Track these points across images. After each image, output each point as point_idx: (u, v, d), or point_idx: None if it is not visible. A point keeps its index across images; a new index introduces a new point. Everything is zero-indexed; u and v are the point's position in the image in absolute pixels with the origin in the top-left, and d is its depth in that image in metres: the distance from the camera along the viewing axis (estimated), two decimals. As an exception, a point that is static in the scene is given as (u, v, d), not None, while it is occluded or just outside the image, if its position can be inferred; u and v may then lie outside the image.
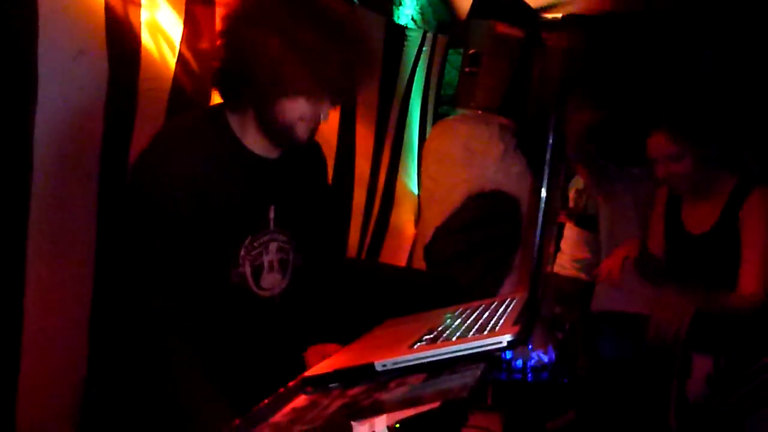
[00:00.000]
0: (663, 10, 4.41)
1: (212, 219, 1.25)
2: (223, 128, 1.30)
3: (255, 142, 1.32)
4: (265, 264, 1.34)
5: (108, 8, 1.53)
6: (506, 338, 0.76)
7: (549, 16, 4.67)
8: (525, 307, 0.87)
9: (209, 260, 1.26)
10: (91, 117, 1.53)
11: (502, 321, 0.89)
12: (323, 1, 1.28)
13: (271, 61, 1.19)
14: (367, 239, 3.17)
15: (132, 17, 1.61)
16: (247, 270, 1.31)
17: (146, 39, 1.65)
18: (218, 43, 1.28)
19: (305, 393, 0.81)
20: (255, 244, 1.32)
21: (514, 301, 1.06)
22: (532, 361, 2.20)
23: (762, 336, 2.00)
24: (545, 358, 2.23)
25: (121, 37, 1.58)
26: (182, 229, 1.21)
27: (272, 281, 1.37)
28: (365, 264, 2.74)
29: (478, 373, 0.72)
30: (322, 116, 1.29)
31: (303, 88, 1.23)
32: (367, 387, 0.78)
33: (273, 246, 1.36)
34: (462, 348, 0.77)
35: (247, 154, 1.32)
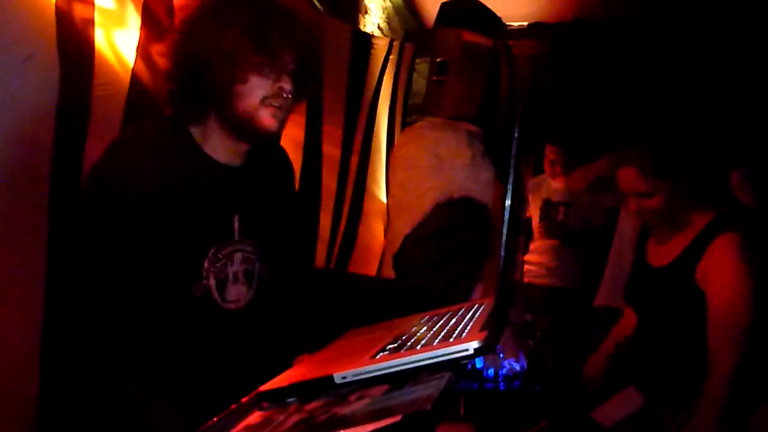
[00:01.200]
0: (625, 20, 4.50)
1: (174, 231, 1.21)
2: (183, 137, 1.27)
3: (218, 149, 1.29)
4: (230, 275, 1.30)
5: (59, 11, 1.47)
6: (473, 345, 0.72)
7: (515, 24, 4.74)
8: (492, 312, 0.83)
9: (171, 274, 1.22)
10: (42, 122, 1.47)
11: (469, 327, 0.85)
12: None
13: (213, 44, 1.18)
14: (336, 249, 3.13)
15: (85, 21, 1.56)
16: (212, 282, 1.27)
17: (100, 43, 1.60)
18: (169, 62, 1.27)
19: (260, 409, 0.76)
20: (219, 255, 1.28)
21: (482, 307, 1.03)
22: (504, 370, 2.18)
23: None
24: (517, 367, 2.21)
25: (74, 41, 1.52)
26: (141, 242, 1.17)
27: (237, 293, 1.33)
28: (333, 274, 2.70)
29: (444, 383, 0.68)
30: (284, 95, 1.26)
31: (251, 62, 1.20)
32: (325, 401, 0.73)
33: (238, 256, 1.32)
34: (426, 357, 0.73)
35: (209, 163, 1.29)
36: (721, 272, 1.82)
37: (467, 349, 0.72)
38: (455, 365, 0.73)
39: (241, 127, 1.26)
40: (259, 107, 1.24)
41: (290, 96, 1.28)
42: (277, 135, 1.32)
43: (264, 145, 1.38)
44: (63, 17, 1.49)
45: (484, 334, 0.74)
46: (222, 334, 1.25)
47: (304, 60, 1.30)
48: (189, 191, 1.25)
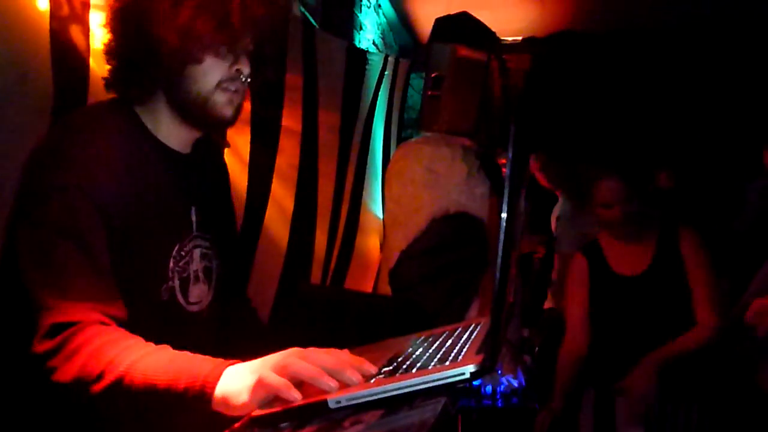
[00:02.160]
0: (615, 32, 4.53)
1: (138, 227, 1.08)
2: (133, 120, 1.15)
3: (170, 136, 1.18)
4: (191, 274, 1.19)
5: (53, 31, 1.47)
6: (469, 369, 0.71)
7: (509, 39, 4.76)
8: (488, 334, 0.82)
9: (138, 276, 1.08)
10: (37, 139, 1.47)
11: (465, 350, 0.84)
12: None
13: (165, 17, 1.06)
14: (332, 265, 3.12)
15: (79, 39, 1.55)
16: (176, 283, 1.15)
17: (94, 61, 1.59)
18: (109, 37, 1.14)
19: (253, 434, 0.75)
20: (182, 252, 1.17)
21: (478, 327, 1.02)
22: (502, 387, 2.17)
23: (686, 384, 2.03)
24: (515, 383, 2.20)
25: (68, 59, 1.52)
26: (101, 241, 1.01)
27: (200, 293, 1.21)
28: (328, 291, 2.69)
29: (439, 408, 0.67)
30: (242, 78, 1.15)
31: (208, 41, 1.09)
32: (319, 426, 0.72)
33: (197, 253, 1.21)
34: (422, 381, 0.72)
35: (165, 150, 1.17)
36: (697, 258, 2.09)
37: (463, 373, 0.71)
38: (451, 389, 0.72)
39: (193, 113, 1.15)
40: (213, 92, 1.13)
41: (248, 80, 1.17)
42: (231, 123, 1.20)
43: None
44: (57, 36, 1.48)
45: (480, 357, 0.73)
46: (188, 339, 1.05)
47: (265, 40, 1.20)
48: (149, 182, 1.12)
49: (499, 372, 2.19)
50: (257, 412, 0.78)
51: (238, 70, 1.14)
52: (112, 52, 1.14)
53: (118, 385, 0.85)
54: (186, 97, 1.13)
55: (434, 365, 0.79)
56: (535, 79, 4.79)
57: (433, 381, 0.72)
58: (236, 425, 0.77)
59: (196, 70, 1.11)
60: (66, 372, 0.88)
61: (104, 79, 1.17)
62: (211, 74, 1.12)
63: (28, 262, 0.97)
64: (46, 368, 0.89)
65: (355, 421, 0.70)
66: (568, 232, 3.55)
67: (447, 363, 0.79)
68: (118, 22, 1.12)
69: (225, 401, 0.82)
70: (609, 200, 2.13)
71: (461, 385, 0.71)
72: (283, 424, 0.75)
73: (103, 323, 0.93)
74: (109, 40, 1.14)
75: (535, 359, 2.72)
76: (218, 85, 1.13)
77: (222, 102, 1.14)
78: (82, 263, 0.96)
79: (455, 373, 0.71)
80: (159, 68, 1.11)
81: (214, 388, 0.82)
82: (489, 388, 2.16)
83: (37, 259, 0.97)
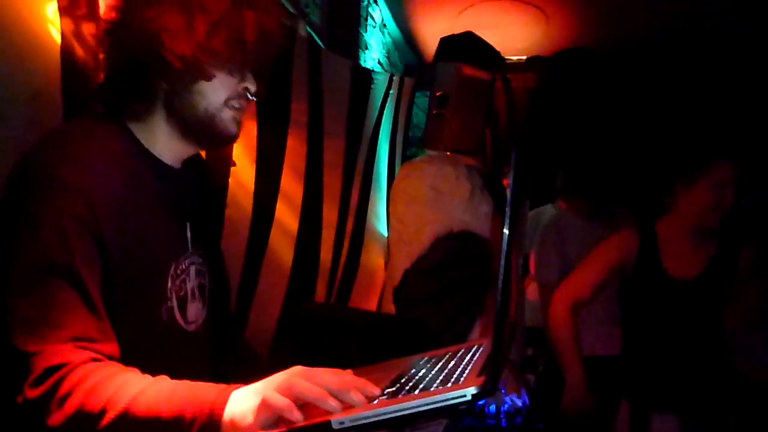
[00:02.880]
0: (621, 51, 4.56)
1: (138, 246, 1.05)
2: (127, 136, 1.12)
3: (164, 150, 1.16)
4: (188, 293, 1.17)
5: (64, 52, 1.49)
6: (470, 391, 0.72)
7: (513, 58, 4.79)
8: (490, 356, 0.83)
9: (139, 297, 1.06)
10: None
11: (467, 371, 0.85)
12: None
13: (181, 38, 1.04)
14: (336, 283, 3.13)
15: (88, 61, 1.58)
16: (174, 303, 1.13)
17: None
18: (106, 43, 1.12)
19: (258, 454, 0.76)
20: (178, 271, 1.15)
21: (481, 348, 1.03)
22: (506, 406, 2.16)
23: (726, 396, 2.02)
24: (519, 402, 2.19)
25: (78, 80, 1.52)
26: (101, 260, 0.98)
27: (196, 312, 1.19)
28: (332, 309, 2.69)
29: (440, 429, 0.68)
30: (249, 95, 1.16)
31: (221, 59, 1.09)
32: (323, 446, 0.73)
33: (192, 270, 1.19)
34: (424, 402, 0.73)
35: (159, 165, 1.15)
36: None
37: (464, 395, 0.72)
38: (453, 411, 0.73)
39: (198, 129, 1.14)
40: (221, 108, 1.13)
41: (254, 98, 1.17)
42: (235, 140, 1.20)
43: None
44: (67, 58, 1.50)
45: (481, 379, 0.74)
46: (187, 359, 1.08)
47: (273, 59, 1.20)
48: (147, 200, 1.10)
49: (503, 391, 2.18)
50: (261, 433, 0.79)
51: (245, 87, 1.15)
52: (111, 67, 1.13)
53: (122, 420, 0.85)
54: (192, 112, 1.12)
55: (436, 387, 0.81)
56: (544, 97, 4.82)
57: (435, 403, 0.73)
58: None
59: (205, 86, 1.11)
60: (62, 415, 0.86)
61: (96, 89, 1.17)
62: (220, 91, 1.12)
63: (17, 299, 0.92)
64: (41, 413, 0.87)
65: (358, 442, 0.71)
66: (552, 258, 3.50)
67: (449, 385, 0.80)
68: (119, 36, 1.10)
69: (232, 424, 0.83)
70: (726, 179, 2.03)
71: (463, 407, 0.72)
72: (287, 445, 0.76)
73: (94, 360, 0.91)
74: (112, 51, 1.13)
75: (539, 378, 2.71)
76: (226, 101, 1.14)
77: (228, 119, 1.15)
78: (74, 303, 0.92)
79: (457, 395, 0.72)
80: (164, 83, 1.11)
81: (222, 413, 0.83)
82: (493, 408, 2.15)
83: (28, 298, 0.91)
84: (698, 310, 2.04)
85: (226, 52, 1.08)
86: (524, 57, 4.81)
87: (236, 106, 1.15)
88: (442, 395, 0.73)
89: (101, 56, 1.14)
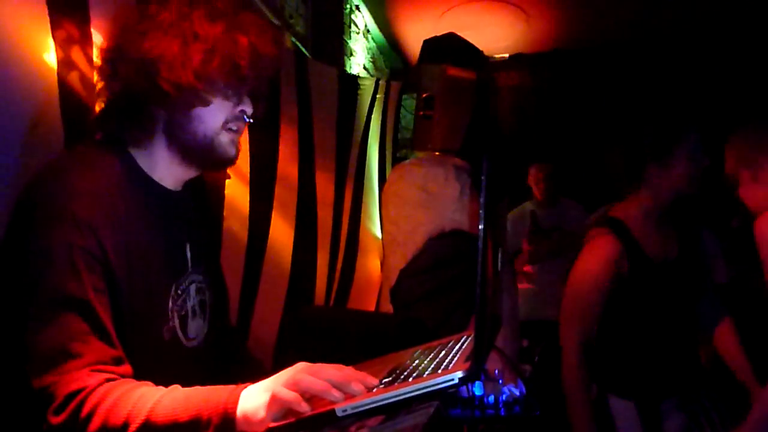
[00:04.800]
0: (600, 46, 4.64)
1: (140, 269, 1.08)
2: (129, 163, 1.15)
3: (165, 175, 1.20)
4: (189, 311, 1.21)
5: (61, 79, 1.53)
6: (458, 375, 0.80)
7: (497, 56, 4.88)
8: (476, 344, 0.91)
9: (141, 322, 1.09)
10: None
11: (455, 359, 0.93)
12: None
13: (177, 65, 1.08)
14: (334, 286, 3.19)
15: (86, 87, 1.62)
16: (176, 322, 1.17)
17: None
18: (104, 73, 1.16)
19: (270, 444, 0.84)
20: (179, 291, 1.19)
21: (469, 338, 1.10)
22: (504, 396, 2.22)
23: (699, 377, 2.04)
24: (516, 392, 2.25)
25: (77, 107, 1.57)
26: (106, 286, 1.01)
27: (197, 328, 1.23)
28: (331, 312, 2.75)
29: (431, 410, 0.76)
30: (246, 118, 1.20)
31: (217, 85, 1.12)
32: (329, 432, 0.81)
33: (192, 288, 1.23)
34: (417, 388, 0.81)
35: (159, 190, 1.19)
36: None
37: (453, 379, 0.80)
38: (443, 394, 0.81)
39: (198, 155, 1.17)
40: (220, 132, 1.17)
41: (251, 120, 1.21)
42: (234, 162, 1.23)
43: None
44: (65, 83, 1.53)
45: (467, 364, 0.82)
46: (189, 375, 1.08)
47: (264, 79, 1.23)
48: (149, 226, 1.13)
49: (500, 382, 2.24)
50: (272, 425, 0.87)
51: (242, 110, 1.19)
52: (113, 94, 1.16)
53: (145, 428, 0.91)
54: (191, 138, 1.15)
55: (428, 374, 0.88)
56: (527, 96, 4.91)
57: (427, 387, 0.81)
58: (254, 434, 0.86)
59: (203, 112, 1.14)
60: None
61: (96, 118, 1.20)
62: (218, 115, 1.16)
63: (35, 333, 0.96)
64: None
65: (360, 426, 0.79)
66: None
67: (439, 371, 0.88)
68: (123, 65, 1.12)
69: (246, 420, 0.90)
70: (699, 143, 1.99)
71: (452, 390, 0.79)
72: (297, 433, 0.84)
73: (109, 380, 0.96)
74: (111, 81, 1.16)
75: (535, 368, 2.77)
76: (224, 125, 1.17)
77: (227, 142, 1.18)
78: (88, 333, 0.97)
79: (446, 380, 0.80)
80: (163, 111, 1.14)
81: (235, 411, 0.90)
82: (491, 398, 2.21)
83: (45, 331, 0.95)
84: (685, 290, 2.05)
85: (221, 78, 1.12)
86: (507, 55, 4.91)
87: (234, 128, 1.19)
88: (433, 380, 0.81)
89: (99, 86, 1.18)
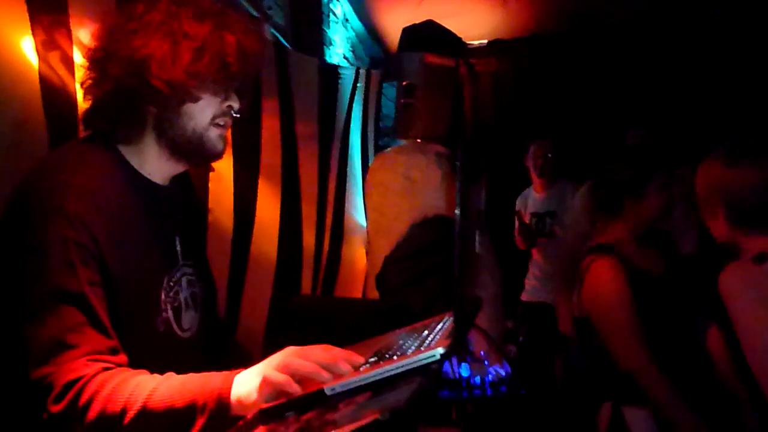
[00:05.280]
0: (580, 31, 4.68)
1: (132, 263, 1.11)
2: (119, 159, 1.18)
3: (154, 170, 1.22)
4: (182, 303, 1.24)
5: (42, 79, 1.56)
6: (439, 351, 0.84)
7: (475, 43, 4.90)
8: (455, 322, 0.96)
9: (135, 311, 1.11)
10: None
11: (438, 338, 0.98)
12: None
13: (167, 64, 1.11)
14: (321, 275, 3.23)
15: (68, 86, 1.64)
16: (170, 314, 1.20)
17: (83, 106, 1.68)
18: (93, 71, 1.17)
19: (263, 423, 0.88)
20: (171, 283, 1.22)
21: (450, 319, 1.15)
22: (490, 377, 2.27)
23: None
24: (502, 372, 2.29)
25: (59, 106, 1.60)
26: (100, 279, 1.04)
27: (191, 320, 1.26)
28: (318, 300, 2.79)
29: (415, 386, 0.80)
30: (233, 113, 1.23)
31: (206, 82, 1.16)
32: (319, 410, 0.85)
33: (184, 281, 1.26)
34: (401, 365, 0.86)
35: (149, 185, 1.22)
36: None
37: (434, 355, 0.85)
38: (426, 370, 0.85)
39: (187, 150, 1.20)
40: (208, 127, 1.20)
41: (238, 115, 1.24)
42: (222, 156, 1.26)
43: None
44: (47, 82, 1.56)
45: (448, 341, 0.86)
46: (183, 365, 1.09)
47: (250, 75, 1.26)
48: (139, 220, 1.16)
49: (486, 363, 2.29)
50: (265, 405, 0.91)
51: (230, 106, 1.22)
52: (102, 92, 1.17)
53: (142, 416, 0.94)
54: (181, 134, 1.18)
55: (411, 352, 0.93)
56: (507, 82, 4.96)
57: (410, 364, 0.85)
58: (248, 416, 0.90)
59: (192, 108, 1.17)
60: (87, 421, 0.94)
61: (85, 115, 1.21)
62: (206, 111, 1.19)
63: (32, 326, 0.98)
64: (67, 425, 0.95)
65: (348, 403, 0.83)
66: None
67: (422, 349, 0.92)
68: (113, 63, 1.14)
69: (240, 403, 0.94)
70: (669, 180, 2.20)
71: (435, 365, 0.83)
72: (288, 413, 0.88)
73: (106, 369, 0.98)
74: (100, 80, 1.16)
75: (520, 348, 2.84)
76: (212, 120, 1.20)
77: (215, 137, 1.21)
78: (85, 325, 0.99)
79: (428, 356, 0.85)
80: (153, 108, 1.16)
81: (229, 396, 0.94)
82: (478, 379, 2.25)
83: (43, 324, 0.98)
84: (681, 301, 2.12)
85: (210, 75, 1.15)
86: (485, 41, 4.93)
87: (221, 123, 1.22)
88: (416, 357, 0.86)
89: (87, 83, 1.19)
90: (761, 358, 1.58)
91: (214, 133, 1.21)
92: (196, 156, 1.24)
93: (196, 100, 1.17)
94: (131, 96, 1.14)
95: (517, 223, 3.94)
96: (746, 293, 1.64)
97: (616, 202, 2.26)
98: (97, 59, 1.17)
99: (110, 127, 1.19)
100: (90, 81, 1.18)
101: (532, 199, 3.98)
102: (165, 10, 1.16)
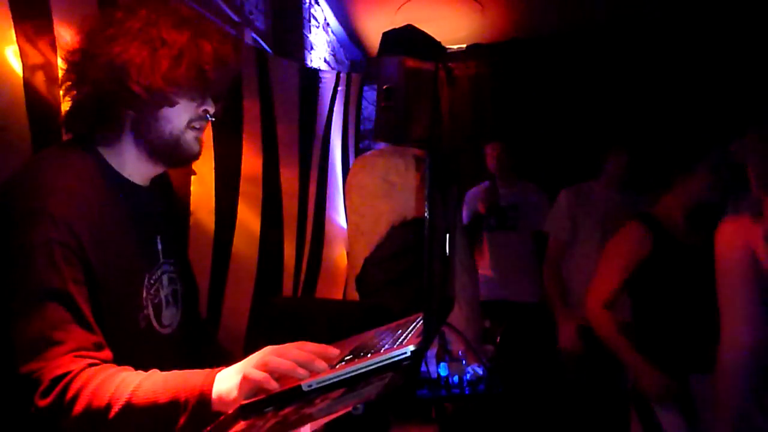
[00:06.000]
0: (557, 35, 4.75)
1: (114, 262, 1.15)
2: (99, 161, 1.22)
3: (133, 171, 1.27)
4: (163, 300, 1.28)
5: (27, 84, 1.58)
6: (410, 349, 0.89)
7: (454, 47, 4.96)
8: (426, 321, 1.00)
9: (117, 311, 1.15)
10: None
11: (410, 336, 1.02)
12: (170, 5, 1.24)
13: (145, 70, 1.15)
14: (302, 276, 3.26)
15: (51, 91, 1.65)
16: (150, 311, 1.24)
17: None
18: (72, 75, 1.21)
19: (243, 419, 0.92)
20: (152, 280, 1.26)
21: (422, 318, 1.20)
22: (468, 376, 2.31)
23: None
24: (480, 371, 2.34)
25: (42, 111, 1.62)
26: (85, 294, 1.07)
27: (171, 316, 1.30)
28: (299, 301, 2.82)
29: (386, 381, 0.85)
30: (208, 116, 1.27)
31: (184, 88, 1.20)
32: (296, 406, 0.89)
33: (165, 278, 1.31)
34: (374, 362, 0.90)
35: (129, 186, 1.26)
36: None
37: (405, 353, 0.89)
38: (398, 366, 0.90)
39: (164, 152, 1.25)
40: (184, 131, 1.24)
41: (213, 118, 1.29)
42: (198, 158, 1.30)
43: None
44: (30, 89, 1.58)
45: (419, 339, 0.91)
46: (164, 361, 1.12)
47: (226, 81, 1.30)
48: (121, 220, 1.20)
49: (464, 362, 2.33)
50: (245, 401, 0.95)
51: (205, 110, 1.27)
52: (82, 96, 1.21)
53: (126, 411, 0.98)
54: (158, 136, 1.23)
55: (384, 350, 0.97)
56: (485, 85, 5.01)
57: (383, 361, 0.90)
58: (229, 411, 0.94)
59: (169, 112, 1.22)
60: (73, 415, 0.98)
61: (65, 118, 1.24)
62: (183, 115, 1.24)
63: (19, 324, 1.01)
64: (54, 419, 0.98)
65: (323, 398, 0.88)
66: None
67: (395, 346, 0.97)
68: (93, 68, 1.18)
69: (220, 400, 0.98)
70: (720, 159, 2.25)
71: (406, 363, 0.88)
72: (267, 409, 0.92)
73: (92, 365, 1.02)
74: (80, 84, 1.20)
75: (497, 348, 2.88)
76: (188, 124, 1.25)
77: (191, 139, 1.26)
78: (70, 321, 1.02)
79: (399, 353, 0.90)
80: (131, 111, 1.20)
81: (210, 392, 0.99)
82: (456, 378, 2.29)
83: (29, 322, 1.01)
84: (709, 277, 2.18)
85: (187, 82, 1.19)
86: (464, 45, 4.99)
87: (197, 126, 1.27)
88: (388, 355, 0.91)
89: (66, 85, 1.23)
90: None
91: (190, 135, 1.26)
92: (173, 157, 1.28)
93: (173, 104, 1.22)
94: (110, 99, 1.18)
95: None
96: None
97: (665, 177, 2.36)
98: (76, 62, 1.20)
99: (89, 130, 1.22)
100: (69, 83, 1.22)
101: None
102: (144, 17, 1.20)
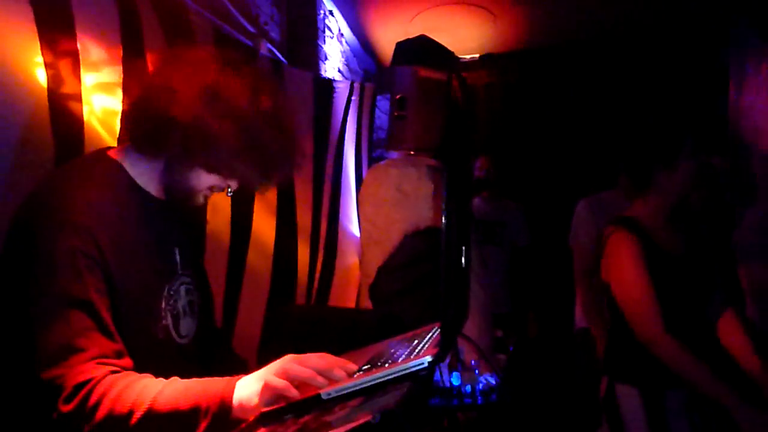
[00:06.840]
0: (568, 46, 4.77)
1: (135, 273, 1.18)
2: (122, 173, 1.26)
3: (150, 185, 1.30)
4: (180, 310, 1.31)
5: (51, 96, 1.62)
6: (427, 359, 0.91)
7: (467, 57, 4.98)
8: (443, 332, 1.02)
9: (137, 321, 1.17)
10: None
11: (426, 346, 1.04)
12: (272, 94, 1.32)
13: (218, 140, 1.20)
14: (315, 285, 3.28)
15: (74, 102, 1.70)
16: (169, 321, 1.26)
17: (89, 123, 1.75)
18: (155, 82, 1.25)
19: (264, 425, 0.94)
20: (171, 291, 1.29)
21: (438, 328, 1.22)
22: (481, 385, 2.31)
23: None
24: (492, 381, 2.34)
25: (66, 123, 1.66)
26: (107, 303, 1.10)
27: (188, 327, 1.33)
28: (313, 310, 2.84)
29: (405, 390, 0.87)
30: (228, 191, 1.33)
31: (234, 173, 1.28)
32: (315, 414, 0.91)
33: (182, 289, 1.33)
34: (392, 372, 0.92)
35: (148, 197, 1.29)
36: None
37: (423, 363, 0.91)
38: (415, 376, 0.92)
39: (172, 191, 1.30)
40: (202, 191, 1.31)
41: (230, 194, 1.35)
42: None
43: None
44: (54, 101, 1.62)
45: (436, 350, 0.93)
46: (180, 371, 1.13)
47: (273, 177, 1.37)
48: (141, 231, 1.23)
49: (477, 372, 2.34)
50: (265, 409, 0.97)
51: (229, 186, 1.33)
52: (145, 126, 1.24)
53: (148, 417, 1.00)
54: (178, 181, 1.28)
55: (401, 360, 0.99)
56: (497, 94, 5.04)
57: (401, 371, 0.92)
58: (249, 418, 0.96)
59: (201, 174, 1.28)
60: (95, 421, 1.00)
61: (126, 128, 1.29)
62: (210, 180, 1.30)
63: (43, 331, 1.04)
64: (77, 424, 1.01)
65: (342, 407, 0.90)
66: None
67: (411, 357, 0.99)
68: (174, 128, 1.21)
69: (241, 407, 1.01)
70: (705, 157, 2.21)
71: (423, 372, 0.90)
72: (287, 416, 0.94)
73: (114, 372, 1.04)
74: (144, 112, 1.24)
75: (510, 358, 2.89)
76: (209, 188, 1.32)
77: (201, 198, 1.33)
78: (92, 329, 1.05)
79: (417, 363, 0.92)
80: (177, 149, 1.23)
81: (231, 400, 1.01)
82: (468, 388, 2.30)
83: (53, 329, 1.04)
84: (695, 284, 2.14)
85: (243, 175, 1.28)
86: (477, 55, 5.02)
87: (213, 191, 1.33)
88: (405, 365, 0.93)
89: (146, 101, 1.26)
90: None
91: (202, 195, 1.33)
92: (176, 199, 1.33)
93: (211, 172, 1.28)
94: (176, 128, 1.21)
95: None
96: None
97: (645, 174, 2.24)
98: (156, 119, 1.22)
99: (140, 139, 1.26)
100: (156, 104, 1.23)
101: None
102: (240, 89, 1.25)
